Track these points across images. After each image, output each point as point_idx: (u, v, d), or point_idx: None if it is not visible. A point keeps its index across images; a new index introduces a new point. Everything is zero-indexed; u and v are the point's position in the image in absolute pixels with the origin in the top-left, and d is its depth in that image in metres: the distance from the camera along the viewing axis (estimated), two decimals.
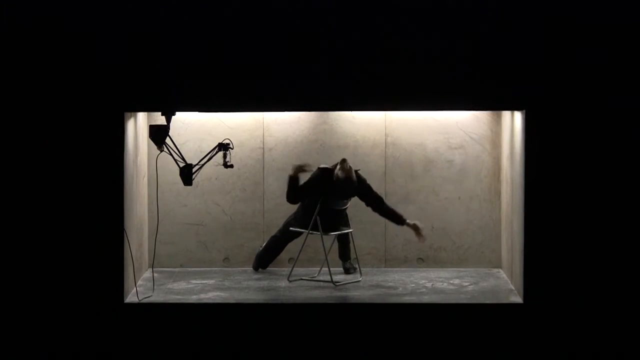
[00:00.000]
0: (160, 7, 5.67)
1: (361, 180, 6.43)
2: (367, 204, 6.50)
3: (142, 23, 5.67)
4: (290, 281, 6.42)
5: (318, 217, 6.36)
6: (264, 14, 5.68)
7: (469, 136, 6.87)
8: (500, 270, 6.83)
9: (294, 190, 6.43)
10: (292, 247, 6.87)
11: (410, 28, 5.67)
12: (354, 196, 6.48)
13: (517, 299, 5.94)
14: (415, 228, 6.42)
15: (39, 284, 5.70)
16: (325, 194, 6.34)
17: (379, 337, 5.71)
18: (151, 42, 5.68)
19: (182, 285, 6.37)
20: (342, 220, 6.54)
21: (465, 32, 5.66)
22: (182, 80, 5.71)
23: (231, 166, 6.37)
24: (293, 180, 6.43)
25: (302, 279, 6.47)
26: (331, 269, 6.40)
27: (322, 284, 6.38)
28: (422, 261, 6.94)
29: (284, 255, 6.89)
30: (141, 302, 5.83)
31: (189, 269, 6.89)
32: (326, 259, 6.44)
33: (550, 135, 5.67)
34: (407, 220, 6.43)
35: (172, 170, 6.54)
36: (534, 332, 5.70)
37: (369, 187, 6.47)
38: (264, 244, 6.81)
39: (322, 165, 6.49)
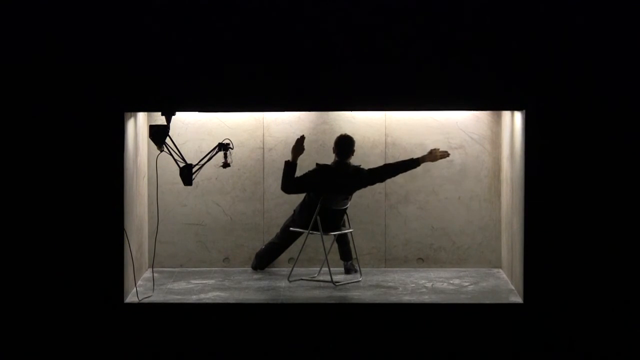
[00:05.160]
0: (160, 7, 5.68)
1: (361, 172, 6.44)
2: (382, 179, 6.54)
3: (142, 23, 5.67)
4: (290, 281, 6.42)
5: (318, 217, 6.36)
6: (264, 14, 5.68)
7: (469, 136, 6.87)
8: (500, 270, 6.83)
9: (290, 178, 6.40)
10: (292, 247, 6.87)
11: (410, 28, 5.67)
12: (358, 187, 6.46)
13: (517, 299, 5.94)
14: (433, 157, 6.45)
15: (39, 284, 5.70)
16: (323, 190, 6.34)
17: (379, 337, 5.71)
18: (151, 42, 5.68)
19: (182, 285, 6.37)
20: (341, 220, 6.54)
21: (465, 32, 5.66)
22: (182, 80, 5.71)
23: (228, 166, 6.36)
24: (290, 166, 6.40)
25: (302, 279, 6.46)
26: (331, 268, 6.40)
27: (322, 284, 6.38)
28: (422, 261, 6.94)
29: (284, 255, 6.89)
30: (141, 302, 5.83)
31: (189, 269, 6.89)
32: (326, 259, 6.43)
33: (550, 135, 5.67)
34: (420, 157, 6.46)
35: (172, 170, 6.54)
36: (534, 332, 5.70)
37: (370, 170, 6.49)
38: (264, 246, 6.82)
39: (320, 163, 6.49)
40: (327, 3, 5.67)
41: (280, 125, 6.90)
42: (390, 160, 6.82)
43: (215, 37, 5.68)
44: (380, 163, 6.78)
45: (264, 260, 6.79)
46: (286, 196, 6.77)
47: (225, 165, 6.32)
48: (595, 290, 5.70)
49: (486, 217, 6.90)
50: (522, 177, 5.77)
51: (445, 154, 6.47)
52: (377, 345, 5.71)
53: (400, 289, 6.26)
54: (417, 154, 6.83)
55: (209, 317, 5.75)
